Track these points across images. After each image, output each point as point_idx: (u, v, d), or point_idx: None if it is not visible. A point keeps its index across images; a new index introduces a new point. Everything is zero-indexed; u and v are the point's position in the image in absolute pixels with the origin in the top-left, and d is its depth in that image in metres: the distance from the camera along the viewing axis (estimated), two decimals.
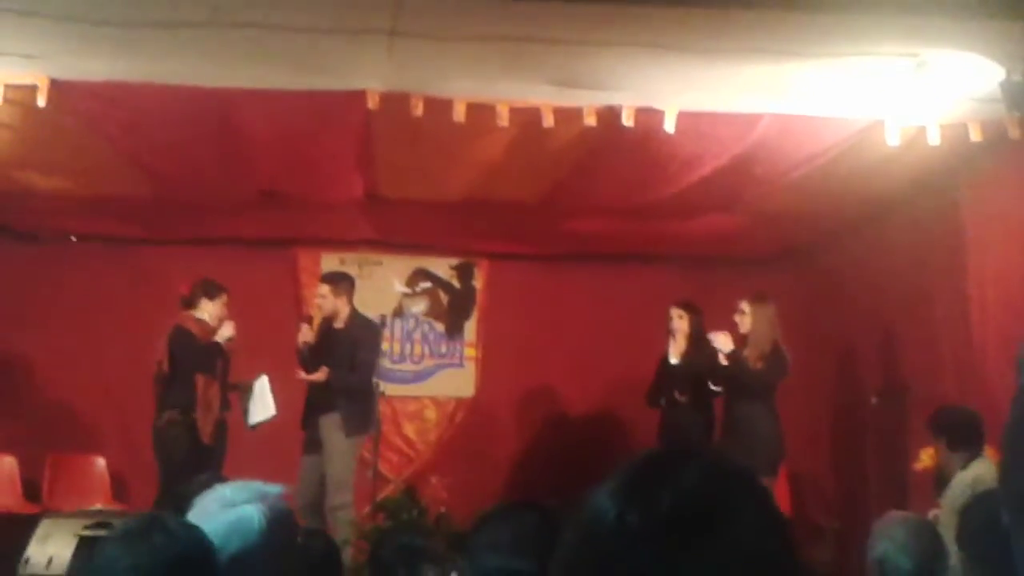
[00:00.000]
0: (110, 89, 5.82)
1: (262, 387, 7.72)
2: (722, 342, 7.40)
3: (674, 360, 7.85)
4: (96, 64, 5.56)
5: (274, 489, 2.68)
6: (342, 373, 7.60)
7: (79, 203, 7.97)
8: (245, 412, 7.71)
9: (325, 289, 7.82)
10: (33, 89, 5.64)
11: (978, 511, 1.74)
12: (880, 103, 5.89)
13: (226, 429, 7.66)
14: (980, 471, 5.55)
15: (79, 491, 8.60)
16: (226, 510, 2.55)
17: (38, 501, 8.46)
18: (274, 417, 7.71)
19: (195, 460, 7.14)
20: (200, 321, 7.66)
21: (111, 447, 8.97)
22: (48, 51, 5.39)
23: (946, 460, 5.89)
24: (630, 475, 1.32)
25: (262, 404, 7.68)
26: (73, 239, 9.23)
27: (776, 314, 7.59)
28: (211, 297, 7.68)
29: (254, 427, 7.71)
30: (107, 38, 5.16)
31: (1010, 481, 0.54)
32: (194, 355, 7.52)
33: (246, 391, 7.74)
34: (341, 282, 7.90)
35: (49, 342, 8.97)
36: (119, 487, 8.91)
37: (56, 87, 5.69)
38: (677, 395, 7.79)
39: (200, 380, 7.48)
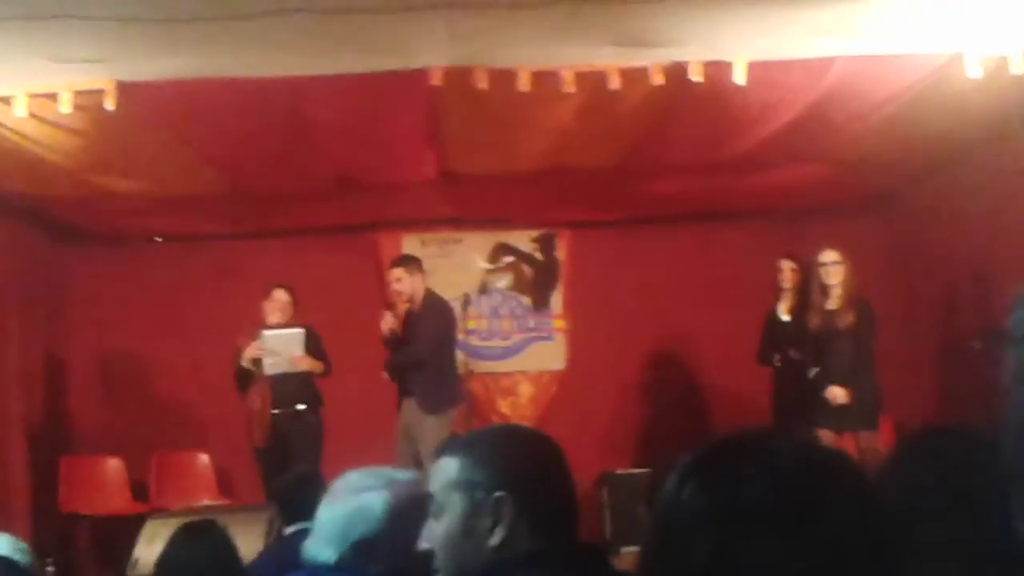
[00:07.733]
0: (177, 87, 5.83)
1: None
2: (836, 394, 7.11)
3: (785, 317, 7.68)
4: (160, 63, 5.58)
5: (404, 475, 2.65)
6: (414, 353, 7.57)
7: (158, 203, 8.06)
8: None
9: (400, 272, 7.72)
10: (100, 93, 5.68)
11: None
12: (958, 34, 5.68)
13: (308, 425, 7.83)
14: None
15: (185, 488, 8.73)
16: (350, 497, 2.53)
17: (146, 501, 8.59)
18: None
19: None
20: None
21: (213, 443, 9.07)
22: (113, 54, 5.42)
23: None
24: (705, 455, 1.25)
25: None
26: (158, 240, 9.36)
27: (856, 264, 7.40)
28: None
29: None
30: (169, 36, 5.18)
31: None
32: None
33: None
34: (413, 263, 7.85)
35: (143, 343, 9.15)
36: (224, 482, 9.02)
37: (123, 89, 5.72)
38: (792, 353, 7.61)
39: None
